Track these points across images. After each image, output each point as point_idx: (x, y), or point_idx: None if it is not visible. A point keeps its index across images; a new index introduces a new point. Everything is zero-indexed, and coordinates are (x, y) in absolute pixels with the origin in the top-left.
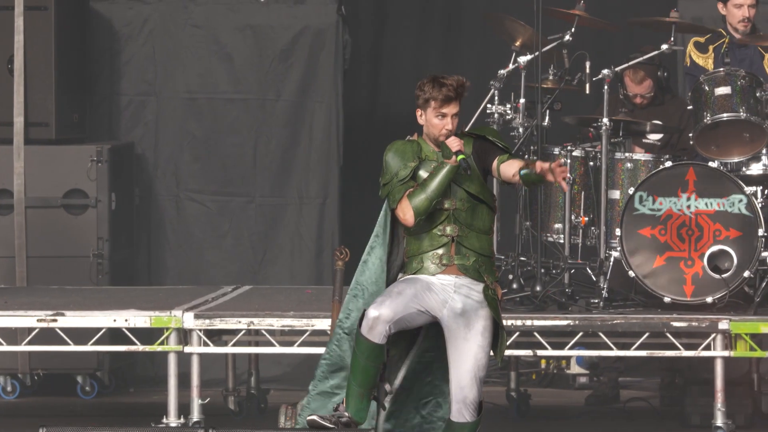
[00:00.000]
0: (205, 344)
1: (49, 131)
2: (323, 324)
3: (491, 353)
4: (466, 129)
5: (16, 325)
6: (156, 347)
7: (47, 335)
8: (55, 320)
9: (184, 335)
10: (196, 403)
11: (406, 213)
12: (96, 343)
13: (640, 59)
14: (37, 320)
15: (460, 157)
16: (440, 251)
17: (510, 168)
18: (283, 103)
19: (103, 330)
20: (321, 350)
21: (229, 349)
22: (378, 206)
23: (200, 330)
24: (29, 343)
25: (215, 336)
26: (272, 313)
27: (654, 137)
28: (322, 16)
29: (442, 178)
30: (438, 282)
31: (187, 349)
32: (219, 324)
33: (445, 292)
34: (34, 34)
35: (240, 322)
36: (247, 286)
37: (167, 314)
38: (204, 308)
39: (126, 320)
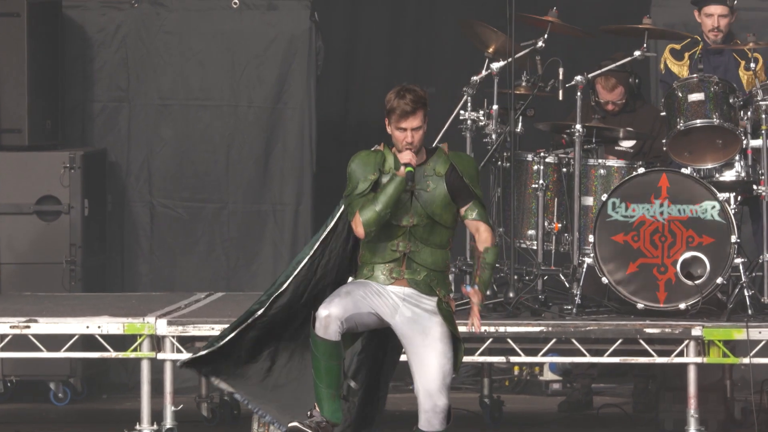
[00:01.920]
0: (179, 351)
1: (21, 138)
2: None
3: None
4: (437, 144)
5: None
6: (129, 354)
7: (20, 342)
8: (28, 327)
9: (157, 342)
10: (169, 409)
11: (358, 227)
12: (69, 349)
13: (611, 66)
14: (10, 327)
15: (407, 168)
16: (391, 265)
17: (472, 228)
18: (255, 109)
19: (76, 337)
20: None
21: None
22: None
23: (173, 337)
24: (2, 350)
25: (188, 342)
26: None
27: (627, 144)
28: (294, 22)
29: (390, 190)
30: (387, 291)
31: (160, 356)
32: (192, 331)
33: (395, 300)
34: (7, 41)
35: (213, 328)
36: (220, 292)
37: (140, 321)
38: (177, 315)
39: (99, 327)
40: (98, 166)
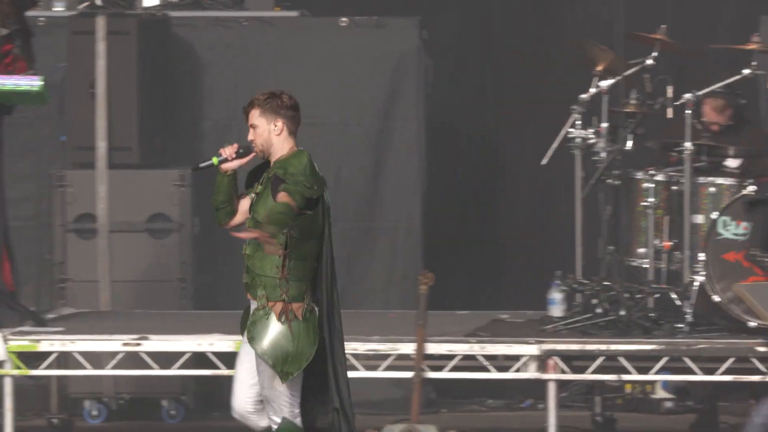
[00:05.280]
0: None
1: (132, 155)
2: (408, 348)
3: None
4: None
5: (101, 349)
6: None
7: (132, 359)
8: (139, 344)
9: None
10: None
11: None
12: (181, 367)
13: (715, 87)
14: (122, 344)
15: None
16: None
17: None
18: (366, 128)
19: (188, 354)
20: (406, 374)
21: None
22: (462, 230)
23: None
24: (114, 367)
25: None
26: (357, 337)
27: (733, 164)
28: (403, 40)
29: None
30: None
31: None
32: None
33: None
34: (117, 59)
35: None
36: None
37: None
38: None
39: (211, 344)
40: (208, 184)
